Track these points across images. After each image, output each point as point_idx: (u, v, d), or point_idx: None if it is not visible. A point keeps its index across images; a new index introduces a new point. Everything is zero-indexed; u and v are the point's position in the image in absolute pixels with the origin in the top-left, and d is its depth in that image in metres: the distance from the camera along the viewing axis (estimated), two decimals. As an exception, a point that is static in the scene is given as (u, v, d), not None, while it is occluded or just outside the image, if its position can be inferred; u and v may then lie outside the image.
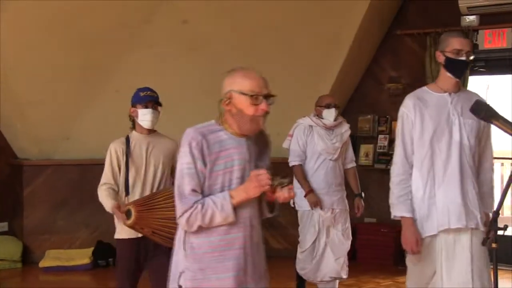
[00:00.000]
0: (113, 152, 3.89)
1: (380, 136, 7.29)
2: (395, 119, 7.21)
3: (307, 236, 4.92)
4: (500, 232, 2.52)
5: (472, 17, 6.58)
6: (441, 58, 3.29)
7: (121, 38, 6.61)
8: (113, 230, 6.67)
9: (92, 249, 6.95)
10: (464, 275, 3.11)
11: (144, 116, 3.84)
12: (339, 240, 4.91)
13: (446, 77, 3.28)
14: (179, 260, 2.50)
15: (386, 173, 7.16)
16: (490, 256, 3.14)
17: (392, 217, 3.34)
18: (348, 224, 5.01)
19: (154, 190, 3.84)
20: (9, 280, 6.34)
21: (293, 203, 5.08)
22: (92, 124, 7.03)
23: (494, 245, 2.51)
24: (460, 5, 6.42)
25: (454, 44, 3.21)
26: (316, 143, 4.91)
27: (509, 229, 3.23)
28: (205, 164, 2.40)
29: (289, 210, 5.15)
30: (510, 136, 2.69)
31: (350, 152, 5.14)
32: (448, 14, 6.72)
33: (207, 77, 6.86)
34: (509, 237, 6.29)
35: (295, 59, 6.72)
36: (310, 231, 4.90)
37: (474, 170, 3.22)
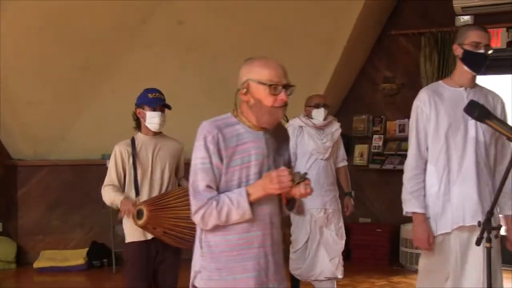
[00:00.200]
0: (118, 154, 3.81)
1: (375, 136, 7.30)
2: (389, 119, 7.26)
3: (299, 236, 4.91)
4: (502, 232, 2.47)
5: (466, 17, 6.60)
6: (458, 51, 3.17)
7: (119, 38, 6.61)
8: (107, 230, 6.73)
9: (86, 249, 6.94)
10: (477, 275, 3.04)
11: (153, 119, 3.78)
12: (333, 240, 4.91)
13: (463, 71, 3.17)
14: (196, 259, 2.40)
15: (381, 173, 7.25)
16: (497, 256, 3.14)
17: (404, 213, 3.24)
18: (342, 224, 5.00)
19: (163, 191, 3.81)
20: (4, 281, 6.31)
21: None
22: (88, 124, 7.02)
23: (487, 245, 2.51)
24: (454, 5, 6.43)
25: (472, 37, 3.10)
26: (306, 143, 4.90)
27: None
28: (221, 159, 2.28)
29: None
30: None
31: (342, 151, 5.13)
32: (442, 14, 6.74)
33: (204, 77, 6.88)
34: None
35: (290, 59, 6.66)
36: (302, 231, 4.89)
37: (489, 168, 3.13)
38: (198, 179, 2.29)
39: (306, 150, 4.91)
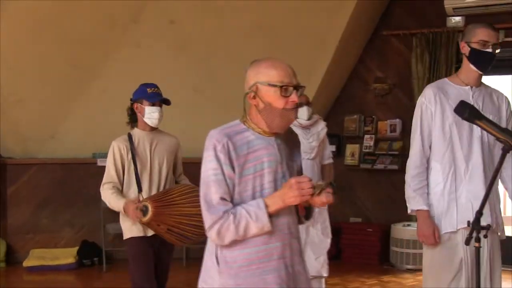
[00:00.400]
0: (117, 150, 3.76)
1: (366, 136, 7.32)
2: (381, 119, 7.27)
3: None
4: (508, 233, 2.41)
5: (457, 18, 6.62)
6: (465, 49, 3.10)
7: (109, 37, 6.59)
8: (98, 229, 6.71)
9: (77, 248, 6.91)
10: (481, 275, 3.00)
11: (152, 114, 3.76)
12: (319, 239, 4.91)
13: (469, 70, 3.12)
14: (210, 276, 2.26)
15: (372, 173, 7.26)
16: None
17: (409, 211, 3.21)
18: (328, 223, 5.00)
19: (161, 187, 3.80)
20: (-7, 280, 6.29)
21: None
22: (78, 123, 7.00)
23: (476, 244, 2.52)
24: (446, 6, 6.45)
25: (480, 35, 3.04)
26: None
27: (506, 228, 3.26)
28: (233, 168, 2.16)
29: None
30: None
31: (328, 150, 5.12)
32: (434, 15, 6.76)
33: (195, 76, 6.87)
34: (509, 237, 6.30)
35: (282, 58, 6.71)
36: None
37: (494, 168, 3.02)
38: (211, 191, 2.16)
39: None
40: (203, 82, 6.91)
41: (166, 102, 3.83)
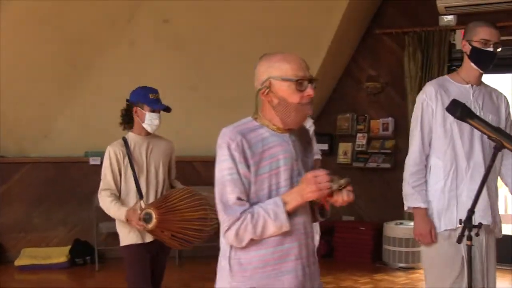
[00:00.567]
0: (113, 155, 3.65)
1: (359, 135, 7.33)
2: (373, 117, 7.29)
3: None
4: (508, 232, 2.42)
5: (449, 17, 6.65)
6: (466, 48, 3.08)
7: (104, 36, 6.57)
8: (90, 228, 6.69)
9: (69, 247, 6.89)
10: (477, 273, 3.03)
11: (154, 121, 3.67)
12: None
13: (470, 68, 3.11)
14: (221, 280, 2.18)
15: (365, 171, 7.28)
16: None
17: (405, 209, 3.19)
18: None
19: (158, 192, 3.74)
20: (-16, 279, 6.26)
21: None
22: (71, 122, 6.98)
23: (468, 243, 2.53)
24: (438, 5, 6.48)
25: (482, 34, 3.02)
26: None
27: (505, 227, 3.26)
28: (248, 167, 2.08)
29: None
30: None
31: (315, 147, 5.14)
32: (426, 14, 6.78)
33: (190, 75, 6.87)
34: (508, 236, 6.35)
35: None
36: None
37: (494, 167, 3.01)
38: (227, 191, 2.07)
39: None
40: (197, 81, 6.90)
41: (168, 110, 3.74)
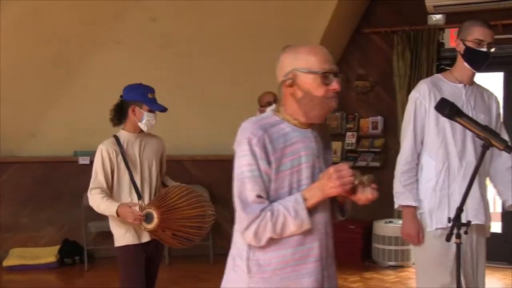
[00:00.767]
0: (105, 154, 3.57)
1: (348, 134, 7.34)
2: (362, 116, 7.30)
3: None
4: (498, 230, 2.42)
5: (438, 16, 6.68)
6: (460, 47, 3.08)
7: (91, 34, 6.55)
8: (79, 227, 6.66)
9: (58, 247, 6.85)
10: (468, 271, 3.06)
11: (150, 121, 3.62)
12: None
13: (463, 68, 3.11)
14: (237, 281, 2.09)
15: (354, 170, 7.27)
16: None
17: (396, 207, 3.19)
18: None
19: (152, 190, 3.69)
20: (-28, 280, 6.22)
21: None
22: (60, 121, 6.94)
23: (457, 241, 2.53)
24: (426, 4, 6.50)
25: (476, 34, 3.01)
26: None
27: (500, 225, 3.27)
28: (269, 163, 2.00)
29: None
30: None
31: None
32: (415, 13, 6.80)
33: (177, 73, 6.85)
34: (497, 234, 6.40)
35: (263, 56, 6.69)
36: None
37: (484, 165, 3.06)
38: (247, 188, 1.99)
39: None
40: (184, 78, 6.88)
41: (165, 110, 3.69)
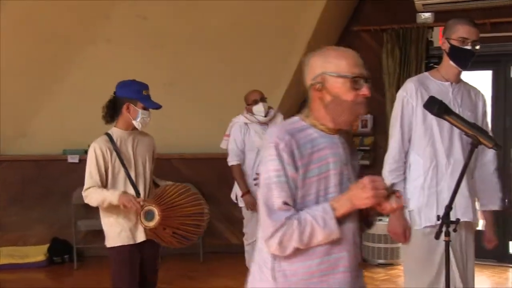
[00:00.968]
0: (99, 153, 3.50)
1: (338, 132, 7.35)
2: (352, 114, 7.32)
3: (253, 230, 4.95)
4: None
5: (427, 14, 6.70)
6: (445, 45, 3.10)
7: (81, 32, 6.53)
8: (69, 226, 6.63)
9: (47, 246, 6.82)
10: (458, 268, 3.07)
11: (145, 119, 3.57)
12: None
13: (449, 66, 3.13)
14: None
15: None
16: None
17: None
18: None
19: (146, 188, 3.65)
20: (-39, 279, 6.18)
21: (236, 199, 5.21)
22: (48, 119, 6.91)
23: (446, 239, 2.55)
24: (415, 2, 6.52)
25: (460, 32, 3.03)
26: (253, 140, 5.00)
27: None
28: (296, 169, 1.94)
29: (248, 205, 5.17)
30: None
31: None
32: (404, 11, 6.82)
33: (167, 72, 6.83)
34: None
35: (253, 55, 6.73)
36: (255, 225, 4.95)
37: (471, 164, 3.06)
38: (273, 195, 1.93)
39: (253, 147, 5.00)
40: (173, 77, 6.87)
41: (159, 108, 3.64)
